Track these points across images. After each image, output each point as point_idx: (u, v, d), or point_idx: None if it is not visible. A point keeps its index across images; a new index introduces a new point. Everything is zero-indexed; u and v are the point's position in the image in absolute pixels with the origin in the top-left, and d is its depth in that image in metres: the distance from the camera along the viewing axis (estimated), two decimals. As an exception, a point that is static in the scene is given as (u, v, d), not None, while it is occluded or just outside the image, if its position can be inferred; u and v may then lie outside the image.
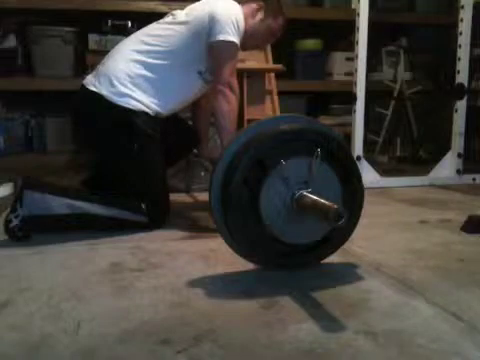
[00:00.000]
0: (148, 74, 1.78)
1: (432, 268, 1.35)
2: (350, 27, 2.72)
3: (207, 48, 1.80)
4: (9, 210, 1.62)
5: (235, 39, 1.79)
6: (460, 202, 2.30)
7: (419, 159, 3.67)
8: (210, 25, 1.78)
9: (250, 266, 1.33)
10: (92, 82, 1.80)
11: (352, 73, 2.72)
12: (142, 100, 1.76)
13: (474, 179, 2.83)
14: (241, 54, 3.34)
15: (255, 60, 2.96)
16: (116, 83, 1.75)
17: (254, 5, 1.94)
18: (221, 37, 1.76)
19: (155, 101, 1.79)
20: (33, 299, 1.13)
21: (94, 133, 1.82)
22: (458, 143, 2.81)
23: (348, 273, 1.31)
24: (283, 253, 1.27)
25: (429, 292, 1.16)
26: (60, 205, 1.64)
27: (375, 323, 1.00)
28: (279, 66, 2.86)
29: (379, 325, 0.99)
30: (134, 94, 1.75)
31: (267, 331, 0.97)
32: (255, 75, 2.77)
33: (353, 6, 2.71)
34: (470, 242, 1.61)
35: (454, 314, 1.04)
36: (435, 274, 1.30)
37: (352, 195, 1.28)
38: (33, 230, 1.64)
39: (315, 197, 1.15)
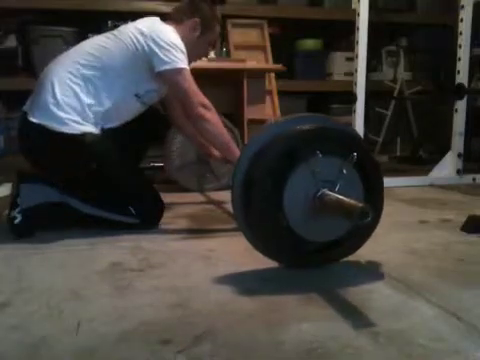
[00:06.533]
0: (87, 100, 1.70)
1: (432, 268, 1.34)
2: (350, 27, 2.72)
3: (151, 74, 1.75)
4: (10, 208, 1.63)
5: (184, 64, 1.74)
6: (460, 202, 2.30)
7: (419, 159, 3.67)
8: (151, 54, 1.72)
9: (250, 266, 1.33)
10: (31, 111, 1.71)
11: (352, 73, 2.72)
12: (85, 124, 1.69)
13: (474, 179, 2.83)
14: (241, 54, 3.34)
15: (255, 60, 2.96)
16: (55, 110, 1.67)
17: (189, 23, 1.88)
18: (168, 66, 1.72)
19: (98, 123, 1.73)
20: (33, 299, 1.13)
21: (49, 162, 1.75)
22: (458, 143, 2.81)
23: (349, 273, 1.31)
24: (301, 250, 1.27)
25: (429, 292, 1.16)
26: (54, 193, 1.68)
27: (375, 323, 1.00)
28: (279, 66, 2.86)
29: (379, 325, 0.99)
30: (76, 118, 1.68)
31: (267, 331, 0.97)
32: (255, 75, 2.78)
33: (353, 6, 2.70)
34: (470, 242, 1.61)
35: (454, 314, 1.04)
36: (435, 274, 1.30)
37: (372, 206, 1.28)
38: (34, 221, 1.65)
39: (340, 196, 1.17)
